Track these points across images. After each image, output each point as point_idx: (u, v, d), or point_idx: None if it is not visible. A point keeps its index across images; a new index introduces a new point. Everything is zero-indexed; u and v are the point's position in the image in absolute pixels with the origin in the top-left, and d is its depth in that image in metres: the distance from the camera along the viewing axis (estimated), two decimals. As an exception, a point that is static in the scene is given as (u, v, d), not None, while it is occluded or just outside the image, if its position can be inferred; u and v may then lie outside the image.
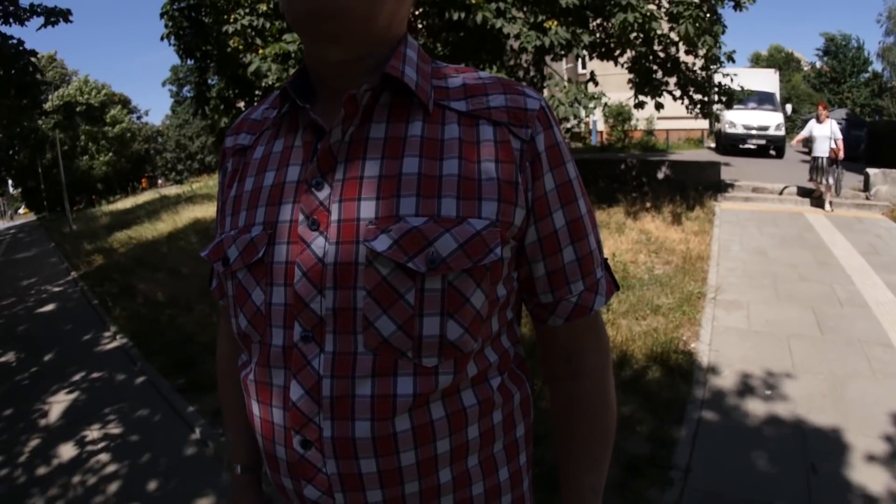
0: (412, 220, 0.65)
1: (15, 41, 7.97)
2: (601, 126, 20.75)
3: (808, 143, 9.15)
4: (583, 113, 7.61)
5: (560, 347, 0.83)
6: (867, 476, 2.62)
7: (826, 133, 8.92)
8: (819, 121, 9.08)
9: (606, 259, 0.83)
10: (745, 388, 3.50)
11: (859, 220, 8.10)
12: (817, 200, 9.20)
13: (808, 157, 9.80)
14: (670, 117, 10.20)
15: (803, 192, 9.57)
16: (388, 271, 0.65)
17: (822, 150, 8.91)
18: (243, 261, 0.72)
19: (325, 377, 0.67)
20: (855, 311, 4.71)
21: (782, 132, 15.31)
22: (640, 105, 9.67)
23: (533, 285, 0.77)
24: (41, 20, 8.09)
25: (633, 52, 8.76)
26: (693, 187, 9.71)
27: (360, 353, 0.66)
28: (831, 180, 8.89)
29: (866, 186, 9.38)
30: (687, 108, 9.73)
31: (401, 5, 0.72)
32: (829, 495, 2.51)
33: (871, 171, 9.41)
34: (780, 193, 9.62)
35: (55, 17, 8.12)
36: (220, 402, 1.01)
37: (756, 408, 3.27)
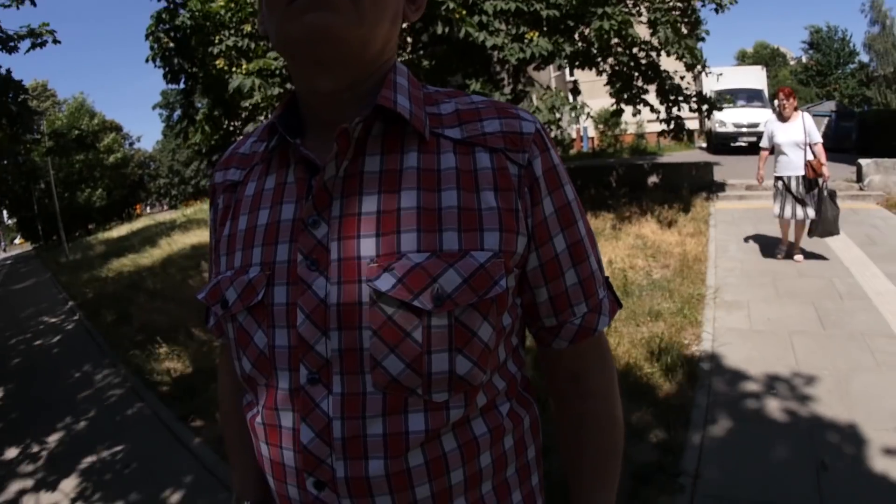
0: (414, 256, 0.64)
1: (4, 71, 7.86)
2: (592, 132, 20.86)
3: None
4: (565, 120, 7.58)
5: (565, 369, 0.83)
6: (878, 470, 2.60)
7: (797, 137, 5.35)
8: (783, 117, 5.51)
9: (608, 277, 0.83)
10: (750, 388, 3.49)
11: (854, 212, 8.10)
12: (787, 250, 5.96)
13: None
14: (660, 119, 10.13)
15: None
16: (394, 310, 0.64)
17: (792, 166, 5.42)
18: (243, 303, 0.71)
19: (336, 419, 0.66)
20: (855, 303, 4.70)
21: (772, 128, 15.37)
22: (618, 113, 9.67)
23: (536, 310, 0.77)
24: (29, 44, 7.85)
25: (615, 60, 8.68)
26: (686, 189, 9.69)
27: (370, 393, 0.65)
28: (809, 213, 5.42)
29: (859, 177, 9.33)
30: (660, 121, 9.38)
31: (393, 31, 0.71)
32: (841, 492, 2.48)
33: (863, 161, 9.36)
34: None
35: (39, 37, 7.90)
36: (224, 439, 0.99)
37: (762, 408, 3.25)
